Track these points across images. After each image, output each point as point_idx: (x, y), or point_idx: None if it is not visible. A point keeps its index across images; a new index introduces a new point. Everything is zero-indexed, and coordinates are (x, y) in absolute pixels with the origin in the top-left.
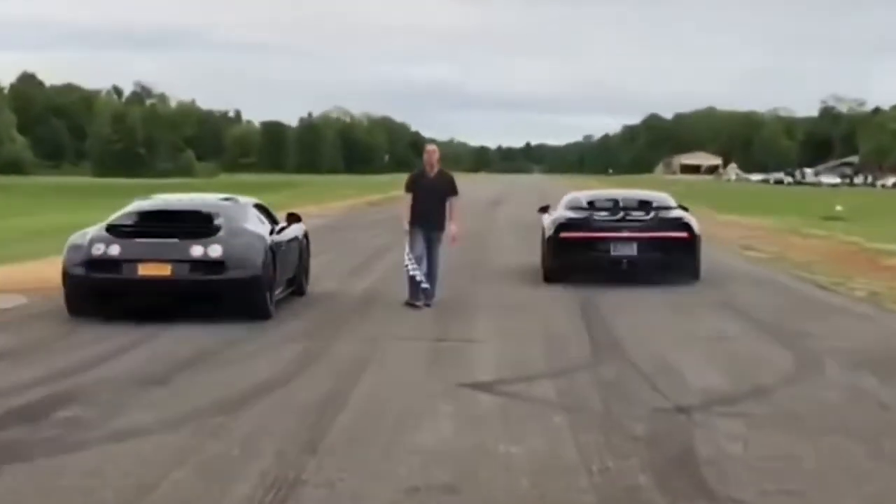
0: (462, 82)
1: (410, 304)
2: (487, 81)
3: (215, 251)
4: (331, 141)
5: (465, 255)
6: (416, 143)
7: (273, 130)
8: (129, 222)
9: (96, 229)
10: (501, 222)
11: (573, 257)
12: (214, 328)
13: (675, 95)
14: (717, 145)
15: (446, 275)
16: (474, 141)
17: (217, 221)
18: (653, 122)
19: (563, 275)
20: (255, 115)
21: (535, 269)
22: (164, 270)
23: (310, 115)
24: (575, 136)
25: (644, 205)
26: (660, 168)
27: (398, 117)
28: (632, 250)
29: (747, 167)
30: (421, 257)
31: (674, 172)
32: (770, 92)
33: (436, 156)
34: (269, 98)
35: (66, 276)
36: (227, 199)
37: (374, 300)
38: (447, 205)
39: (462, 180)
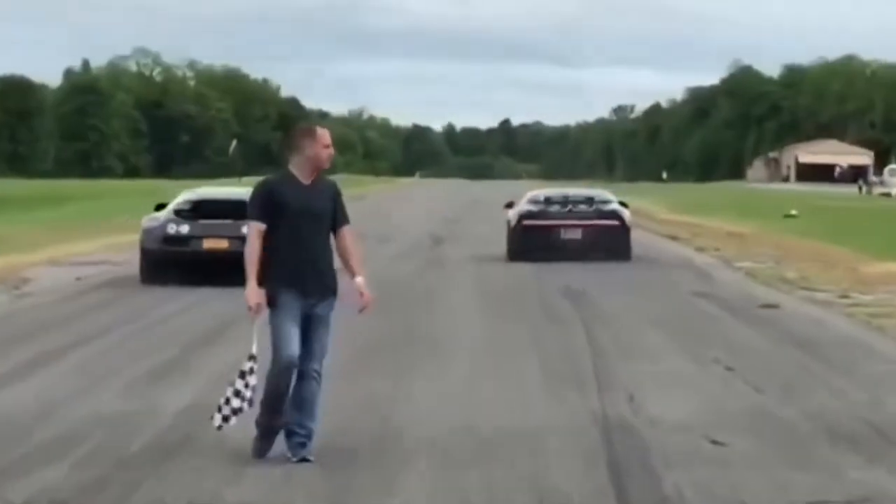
0: (379, 6)
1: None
2: (429, 4)
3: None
4: (125, 114)
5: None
6: (291, 120)
7: (15, 93)
8: (188, 208)
9: (166, 213)
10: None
11: (531, 240)
12: None
13: (783, 36)
14: (863, 128)
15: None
16: (403, 117)
17: None
18: (743, 83)
19: (524, 254)
20: None
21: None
22: (223, 244)
23: (85, 64)
24: (596, 110)
25: (588, 200)
26: (758, 167)
27: (255, 71)
28: (577, 235)
29: None
30: (291, 365)
31: (785, 178)
32: None
33: (329, 151)
34: (3, 36)
35: (145, 251)
36: None
37: (194, 434)
38: (339, 242)
39: (361, 192)
